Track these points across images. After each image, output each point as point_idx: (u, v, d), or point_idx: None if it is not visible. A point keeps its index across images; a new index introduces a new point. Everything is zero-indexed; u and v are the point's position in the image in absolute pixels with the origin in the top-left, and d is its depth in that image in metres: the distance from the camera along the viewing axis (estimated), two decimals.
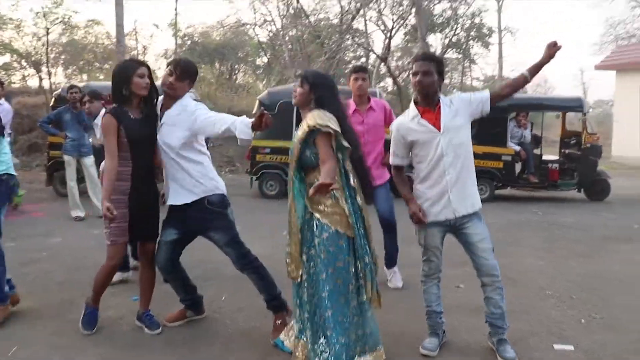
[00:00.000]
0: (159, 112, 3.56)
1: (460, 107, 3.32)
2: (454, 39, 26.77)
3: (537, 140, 10.52)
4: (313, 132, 3.10)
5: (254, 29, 27.80)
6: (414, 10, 23.26)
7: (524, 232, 7.32)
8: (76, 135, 7.51)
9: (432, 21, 25.16)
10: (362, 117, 4.60)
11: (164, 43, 47.42)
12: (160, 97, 3.62)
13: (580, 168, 9.77)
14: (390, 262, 4.83)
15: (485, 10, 25.30)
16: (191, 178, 3.51)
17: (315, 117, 3.12)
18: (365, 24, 24.91)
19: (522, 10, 46.13)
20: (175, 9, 34.42)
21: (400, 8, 24.50)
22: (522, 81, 3.27)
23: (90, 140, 7.18)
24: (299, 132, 3.19)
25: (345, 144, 3.11)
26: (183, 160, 3.49)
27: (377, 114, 4.67)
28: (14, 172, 3.81)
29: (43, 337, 3.62)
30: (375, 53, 23.29)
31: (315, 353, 3.14)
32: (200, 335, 3.71)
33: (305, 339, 3.25)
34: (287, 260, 3.25)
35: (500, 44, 24.08)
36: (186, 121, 3.42)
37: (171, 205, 3.61)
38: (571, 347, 3.61)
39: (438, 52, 26.79)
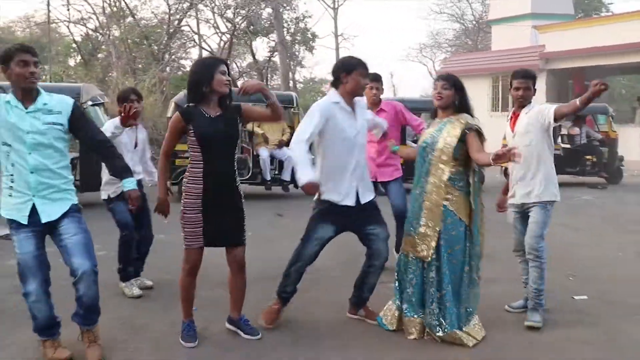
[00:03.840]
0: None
1: (532, 115, 3.89)
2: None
3: None
4: (470, 129, 3.56)
5: (67, 26, 25.75)
6: (242, 12, 23.87)
7: None
8: None
9: (257, 26, 25.79)
10: None
11: None
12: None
13: None
14: (399, 246, 5.31)
15: (309, 16, 26.58)
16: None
17: (468, 119, 3.63)
18: (198, 25, 24.65)
19: (358, 18, 49.51)
20: None
21: (228, 11, 24.84)
22: (574, 107, 3.72)
23: None
24: (455, 130, 3.59)
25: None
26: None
27: (387, 114, 5.09)
28: None
29: (155, 357, 3.39)
30: (213, 54, 23.15)
31: (433, 324, 3.58)
32: (307, 332, 3.78)
33: (415, 315, 3.66)
34: (417, 241, 3.63)
35: (337, 49, 25.65)
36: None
37: (332, 204, 3.70)
38: (585, 297, 4.52)
39: (264, 55, 27.88)
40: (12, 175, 3.12)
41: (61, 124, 3.16)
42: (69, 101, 3.23)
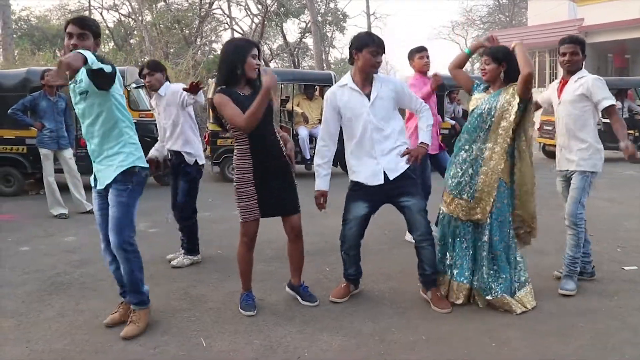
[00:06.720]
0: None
1: (583, 85, 3.82)
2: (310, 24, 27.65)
3: (466, 115, 11.70)
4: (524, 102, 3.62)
5: (101, 13, 26.18)
6: None
7: None
8: (54, 125, 6.67)
9: (288, 7, 25.76)
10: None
11: None
12: None
13: None
14: None
15: None
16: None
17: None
18: (229, 8, 24.79)
19: None
20: None
21: None
22: (620, 135, 3.73)
23: None
24: (514, 100, 3.59)
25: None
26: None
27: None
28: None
29: (217, 326, 3.52)
30: (246, 37, 23.22)
31: (483, 288, 3.66)
32: (359, 304, 3.87)
33: (465, 281, 3.72)
34: (472, 204, 3.67)
35: (369, 28, 25.45)
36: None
37: (361, 183, 3.70)
38: (635, 267, 4.52)
39: (295, 37, 27.86)
40: None
41: (86, 91, 3.17)
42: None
